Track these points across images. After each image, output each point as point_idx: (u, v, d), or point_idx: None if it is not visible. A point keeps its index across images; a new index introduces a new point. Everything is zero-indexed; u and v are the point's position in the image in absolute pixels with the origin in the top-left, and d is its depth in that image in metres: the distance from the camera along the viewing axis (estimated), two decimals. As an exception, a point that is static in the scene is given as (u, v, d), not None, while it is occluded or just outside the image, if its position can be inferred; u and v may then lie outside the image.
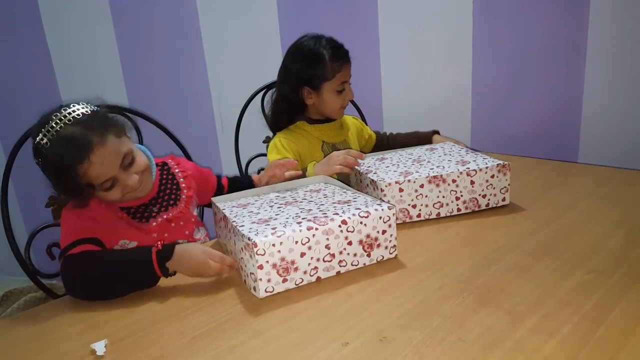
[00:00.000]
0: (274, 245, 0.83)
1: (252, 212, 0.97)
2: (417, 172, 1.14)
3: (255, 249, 0.81)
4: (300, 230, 0.85)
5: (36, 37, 2.23)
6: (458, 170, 1.12)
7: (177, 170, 1.15)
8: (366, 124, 1.65)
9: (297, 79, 1.39)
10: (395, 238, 0.95)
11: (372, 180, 1.14)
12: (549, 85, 1.78)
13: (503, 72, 1.83)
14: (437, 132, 1.53)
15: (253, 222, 0.90)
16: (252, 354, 0.71)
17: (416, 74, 1.94)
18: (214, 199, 1.08)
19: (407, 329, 0.73)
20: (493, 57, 1.83)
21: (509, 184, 1.15)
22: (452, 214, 1.14)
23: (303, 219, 0.89)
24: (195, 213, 1.17)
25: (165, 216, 1.08)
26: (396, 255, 0.96)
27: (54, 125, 0.91)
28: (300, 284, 0.87)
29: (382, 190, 1.10)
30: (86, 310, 0.87)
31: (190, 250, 0.90)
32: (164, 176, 1.13)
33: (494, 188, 1.14)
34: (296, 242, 0.84)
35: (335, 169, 1.24)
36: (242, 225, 0.89)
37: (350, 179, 1.33)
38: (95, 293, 0.90)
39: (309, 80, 1.38)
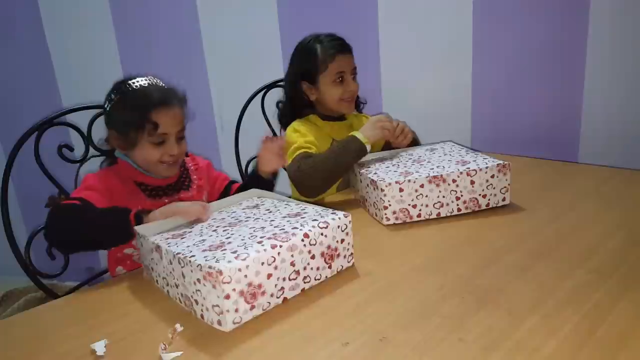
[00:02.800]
0: (239, 270, 0.75)
1: (195, 240, 0.86)
2: (417, 172, 1.14)
3: (220, 278, 0.73)
4: (265, 250, 0.79)
5: (36, 37, 2.23)
6: (458, 170, 1.12)
7: (190, 165, 1.24)
8: None
9: (295, 75, 1.41)
10: (352, 245, 0.92)
11: (372, 180, 1.14)
12: (549, 85, 1.78)
13: (503, 72, 1.83)
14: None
15: (204, 250, 0.80)
16: (252, 353, 0.71)
17: (416, 74, 1.94)
18: (137, 228, 0.93)
19: (407, 329, 0.73)
20: (493, 57, 1.83)
21: (509, 184, 1.15)
22: (452, 214, 1.14)
23: (262, 237, 0.83)
24: None
25: (176, 196, 1.16)
26: (353, 263, 0.93)
27: (153, 78, 1.11)
28: (267, 309, 0.80)
29: (382, 190, 1.10)
30: (86, 310, 0.87)
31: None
32: (181, 168, 1.21)
33: (494, 188, 1.14)
34: (262, 264, 0.78)
35: (385, 129, 1.29)
36: (193, 255, 0.79)
37: (351, 178, 1.33)
38: (71, 240, 0.97)
39: (306, 75, 1.39)
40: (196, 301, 0.79)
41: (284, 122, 1.48)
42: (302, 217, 0.90)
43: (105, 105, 1.10)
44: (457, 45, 1.85)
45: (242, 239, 0.83)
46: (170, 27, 2.14)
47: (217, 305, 0.75)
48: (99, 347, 0.74)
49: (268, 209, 0.99)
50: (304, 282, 0.85)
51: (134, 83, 1.08)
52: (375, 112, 1.56)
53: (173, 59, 2.16)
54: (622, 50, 1.65)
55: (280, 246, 0.80)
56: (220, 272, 0.73)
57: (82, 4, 2.19)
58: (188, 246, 0.83)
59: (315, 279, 0.87)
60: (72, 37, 2.22)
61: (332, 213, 0.90)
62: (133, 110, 1.06)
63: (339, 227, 0.89)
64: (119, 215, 0.95)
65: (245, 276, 0.76)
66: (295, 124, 1.41)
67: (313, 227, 0.86)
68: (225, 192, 1.27)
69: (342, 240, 0.90)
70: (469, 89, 1.87)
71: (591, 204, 1.15)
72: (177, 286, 0.84)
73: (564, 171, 1.44)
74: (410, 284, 0.86)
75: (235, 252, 0.78)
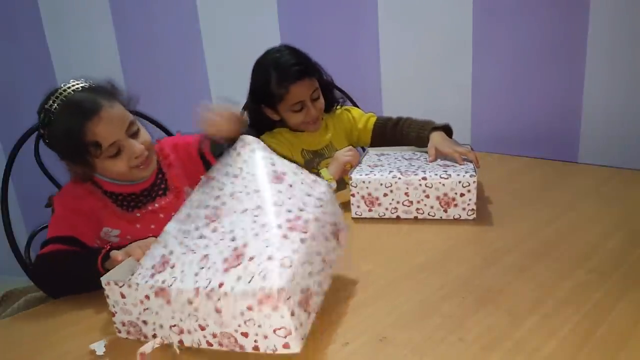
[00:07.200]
0: (293, 279, 0.65)
1: (196, 259, 0.70)
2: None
3: (282, 296, 0.62)
4: (300, 246, 0.69)
5: (36, 37, 2.23)
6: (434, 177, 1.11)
7: (162, 161, 1.11)
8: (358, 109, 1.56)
9: (255, 98, 1.37)
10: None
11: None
12: (549, 85, 1.78)
13: (503, 72, 1.83)
14: (438, 128, 1.35)
15: (227, 270, 0.67)
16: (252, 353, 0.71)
17: (416, 74, 1.93)
18: (105, 278, 0.74)
19: (407, 329, 0.73)
20: (493, 57, 1.83)
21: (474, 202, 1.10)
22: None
23: (279, 226, 0.71)
24: None
25: (150, 207, 1.06)
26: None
27: (62, 92, 0.95)
28: (318, 310, 0.74)
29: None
30: (86, 310, 0.87)
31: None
32: (155, 169, 1.09)
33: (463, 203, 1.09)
34: (303, 263, 0.68)
35: (345, 159, 1.24)
36: (222, 282, 0.65)
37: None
38: (58, 291, 0.94)
39: (264, 99, 1.34)
40: (245, 334, 0.66)
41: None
42: (290, 185, 0.79)
43: (45, 141, 0.99)
44: (457, 45, 1.85)
45: (256, 234, 0.70)
46: (170, 27, 2.14)
47: (282, 327, 0.64)
48: (99, 347, 0.74)
49: (234, 176, 0.81)
50: (330, 268, 0.78)
51: (52, 106, 0.94)
52: (375, 112, 1.55)
53: (173, 59, 2.16)
54: (622, 50, 1.65)
55: (307, 239, 0.70)
56: (282, 290, 0.62)
57: (82, 4, 2.19)
58: (196, 273, 0.68)
59: (333, 263, 0.79)
60: (72, 37, 2.22)
61: (313, 182, 0.83)
62: (63, 140, 0.94)
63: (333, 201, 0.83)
64: (88, 262, 0.86)
65: (298, 283, 0.66)
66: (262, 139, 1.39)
67: (316, 208, 0.77)
68: (206, 164, 1.08)
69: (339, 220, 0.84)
70: (469, 89, 1.87)
71: (591, 204, 1.15)
72: (202, 328, 0.68)
73: (564, 171, 1.44)
74: (410, 284, 0.86)
75: (269, 257, 0.66)
